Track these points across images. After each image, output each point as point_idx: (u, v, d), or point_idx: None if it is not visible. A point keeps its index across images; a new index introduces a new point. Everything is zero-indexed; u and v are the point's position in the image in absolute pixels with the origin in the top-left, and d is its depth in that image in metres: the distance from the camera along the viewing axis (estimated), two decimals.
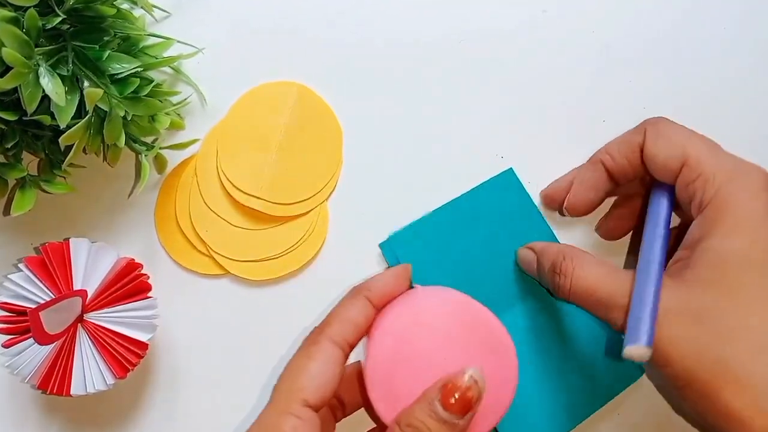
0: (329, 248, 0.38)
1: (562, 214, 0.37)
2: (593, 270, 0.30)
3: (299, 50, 0.40)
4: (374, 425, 0.33)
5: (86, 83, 0.31)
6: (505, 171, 0.38)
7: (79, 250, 0.33)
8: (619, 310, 0.29)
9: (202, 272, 0.38)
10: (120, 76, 0.32)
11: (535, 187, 0.38)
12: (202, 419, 0.37)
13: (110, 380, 0.33)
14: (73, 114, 0.30)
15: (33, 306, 0.32)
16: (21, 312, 0.33)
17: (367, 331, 0.29)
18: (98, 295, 0.33)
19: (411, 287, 0.30)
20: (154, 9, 0.38)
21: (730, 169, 0.30)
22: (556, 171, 0.38)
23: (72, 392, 0.32)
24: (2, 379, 0.37)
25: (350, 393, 0.32)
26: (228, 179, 0.38)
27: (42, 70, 0.28)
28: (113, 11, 0.31)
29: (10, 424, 0.37)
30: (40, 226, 0.38)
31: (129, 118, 0.33)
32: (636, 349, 0.27)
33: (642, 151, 0.33)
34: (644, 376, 0.36)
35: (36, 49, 0.28)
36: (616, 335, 0.36)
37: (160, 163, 0.38)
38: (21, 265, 0.33)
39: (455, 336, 0.28)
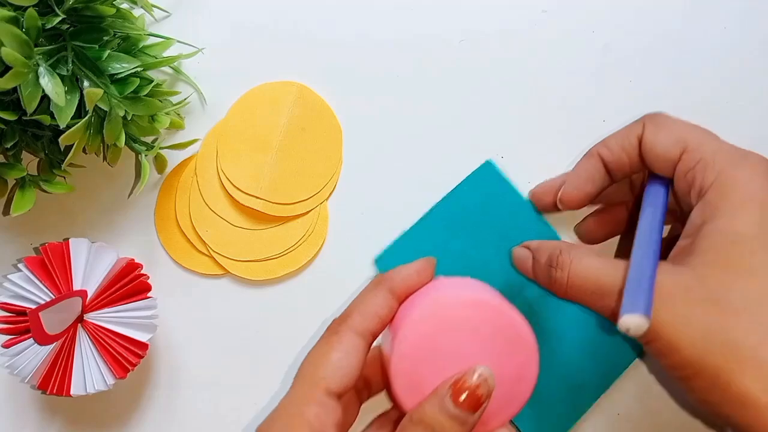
0: (329, 248, 0.38)
1: (553, 210, 0.37)
2: (591, 261, 0.30)
3: (299, 50, 0.40)
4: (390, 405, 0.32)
5: (86, 83, 0.30)
6: (483, 164, 0.38)
7: (79, 250, 0.33)
8: (618, 298, 0.28)
9: (202, 272, 0.38)
10: (120, 76, 0.32)
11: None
12: (202, 419, 0.37)
13: (110, 380, 0.33)
14: (72, 114, 0.30)
15: (33, 306, 0.32)
16: (21, 312, 0.33)
17: (389, 322, 0.29)
18: (98, 295, 0.33)
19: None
20: (153, 9, 0.38)
21: (731, 153, 0.29)
22: (557, 171, 0.38)
23: (72, 392, 0.32)
24: (2, 379, 0.37)
25: (378, 375, 0.31)
26: (228, 179, 0.38)
27: (42, 69, 0.28)
28: (113, 11, 0.31)
29: (10, 424, 0.37)
30: (40, 226, 0.38)
31: (129, 118, 0.33)
32: (632, 318, 0.25)
33: (641, 143, 0.33)
34: (644, 376, 0.36)
35: (36, 49, 0.28)
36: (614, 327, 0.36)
37: (160, 163, 0.38)
38: (21, 265, 0.33)
39: (477, 331, 0.28)
